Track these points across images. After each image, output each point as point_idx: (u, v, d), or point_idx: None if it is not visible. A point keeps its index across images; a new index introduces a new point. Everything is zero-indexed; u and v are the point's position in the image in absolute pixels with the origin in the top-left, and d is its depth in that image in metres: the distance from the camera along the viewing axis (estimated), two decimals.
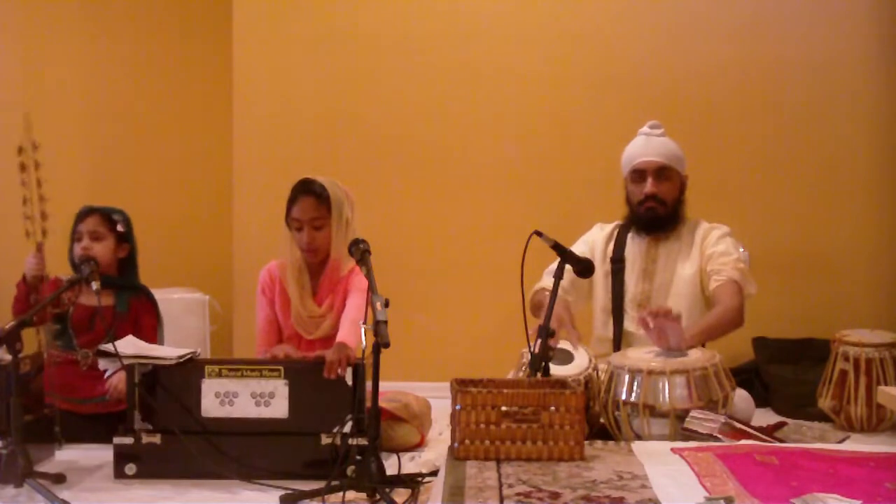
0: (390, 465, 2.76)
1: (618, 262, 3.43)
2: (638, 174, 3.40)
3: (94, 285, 3.08)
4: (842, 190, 4.41)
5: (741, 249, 3.44)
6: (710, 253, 3.35)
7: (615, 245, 3.47)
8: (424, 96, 4.57)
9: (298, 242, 3.37)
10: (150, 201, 4.65)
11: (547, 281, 3.40)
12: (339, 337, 3.18)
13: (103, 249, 3.43)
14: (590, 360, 3.08)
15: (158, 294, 3.62)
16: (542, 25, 4.53)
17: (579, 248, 3.41)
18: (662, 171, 3.38)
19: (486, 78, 4.55)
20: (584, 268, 3.11)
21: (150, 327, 3.44)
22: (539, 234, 3.05)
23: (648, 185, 3.37)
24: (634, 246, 3.45)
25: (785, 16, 4.44)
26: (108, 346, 2.92)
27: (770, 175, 4.43)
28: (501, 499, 1.98)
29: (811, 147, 4.43)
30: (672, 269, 3.39)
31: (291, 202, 3.35)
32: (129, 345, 3.04)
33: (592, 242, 3.52)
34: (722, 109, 4.45)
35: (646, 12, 4.51)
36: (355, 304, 3.29)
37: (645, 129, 3.45)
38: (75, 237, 3.44)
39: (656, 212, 3.38)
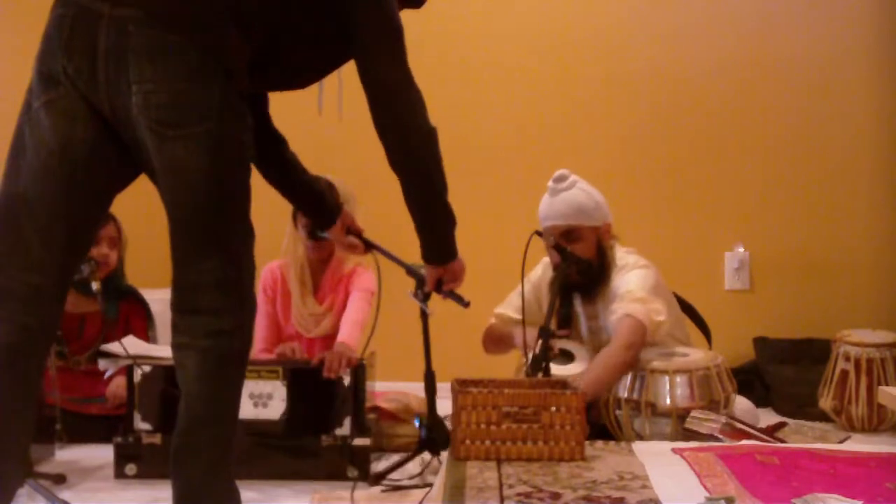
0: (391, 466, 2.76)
1: (564, 326, 3.17)
2: (547, 240, 3.16)
3: (94, 285, 3.02)
4: (843, 189, 4.40)
5: (649, 279, 3.08)
6: (620, 294, 3.05)
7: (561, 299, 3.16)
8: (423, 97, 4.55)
9: (305, 240, 3.36)
10: (144, 199, 4.60)
11: (503, 310, 3.33)
12: (340, 337, 3.17)
13: (116, 257, 3.40)
14: (591, 361, 3.07)
15: (152, 294, 3.55)
16: (544, 27, 4.51)
17: (526, 289, 3.15)
18: (569, 234, 3.11)
19: (486, 78, 4.52)
20: (584, 269, 3.10)
21: (141, 329, 3.40)
22: (539, 234, 3.05)
23: (556, 255, 3.11)
24: (576, 300, 3.22)
25: (789, 16, 4.43)
26: (109, 347, 2.91)
27: (771, 175, 4.42)
28: (502, 499, 1.97)
29: (812, 147, 4.41)
30: None
31: None
32: (129, 345, 3.03)
33: (539, 283, 3.30)
34: (723, 110, 4.43)
35: (649, 15, 4.49)
36: (357, 305, 3.29)
37: (550, 183, 3.17)
38: None
39: (571, 278, 3.09)
